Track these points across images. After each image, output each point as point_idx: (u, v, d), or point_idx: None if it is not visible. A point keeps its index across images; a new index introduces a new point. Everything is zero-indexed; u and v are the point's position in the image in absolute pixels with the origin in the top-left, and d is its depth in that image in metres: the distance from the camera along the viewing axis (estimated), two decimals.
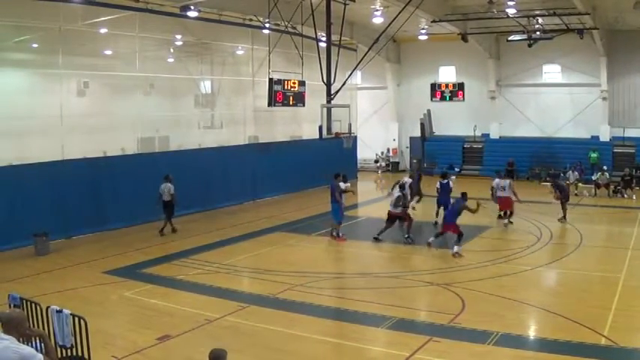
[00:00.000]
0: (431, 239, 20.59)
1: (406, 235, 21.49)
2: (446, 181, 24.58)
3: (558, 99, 41.50)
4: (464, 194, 20.39)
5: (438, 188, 24.82)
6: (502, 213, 25.04)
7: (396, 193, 21.65)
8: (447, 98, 44.51)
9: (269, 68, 28.48)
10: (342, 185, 22.31)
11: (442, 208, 24.02)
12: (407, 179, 23.27)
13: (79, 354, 9.75)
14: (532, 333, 13.34)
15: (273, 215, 27.26)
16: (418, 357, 11.37)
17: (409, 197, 23.24)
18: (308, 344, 12.16)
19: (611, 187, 33.08)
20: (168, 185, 22.91)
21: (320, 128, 25.93)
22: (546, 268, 18.06)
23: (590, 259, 19.98)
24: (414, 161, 43.61)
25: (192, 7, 25.67)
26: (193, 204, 25.05)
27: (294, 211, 28.18)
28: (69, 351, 9.86)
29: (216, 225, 25.01)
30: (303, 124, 35.09)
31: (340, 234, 22.22)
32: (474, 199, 20.64)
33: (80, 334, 9.61)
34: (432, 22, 35.21)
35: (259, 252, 20.51)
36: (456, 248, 19.33)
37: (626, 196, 32.56)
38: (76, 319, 9.64)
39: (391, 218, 21.70)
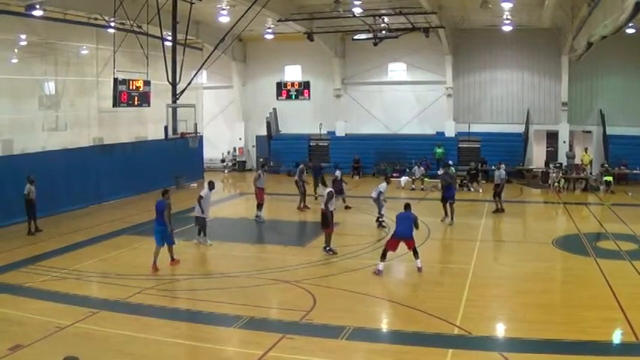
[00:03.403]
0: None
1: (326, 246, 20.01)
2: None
3: (404, 96, 43.34)
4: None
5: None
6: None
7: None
8: (293, 97, 45.47)
9: (114, 68, 27.97)
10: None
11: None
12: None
13: None
14: (385, 326, 13.97)
15: (119, 218, 26.82)
16: (272, 355, 11.64)
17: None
18: (161, 348, 12.21)
19: (458, 181, 34.85)
20: (27, 186, 22.94)
21: (165, 128, 25.85)
22: (396, 261, 18.45)
23: (439, 252, 21.16)
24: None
25: (37, 6, 24.67)
26: (38, 208, 24.27)
27: (140, 213, 27.74)
28: None
29: (61, 230, 24.35)
30: (148, 125, 34.63)
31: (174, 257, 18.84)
32: None
33: None
34: (278, 21, 35.60)
35: (107, 256, 20.22)
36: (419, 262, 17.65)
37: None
38: None
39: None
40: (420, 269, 17.46)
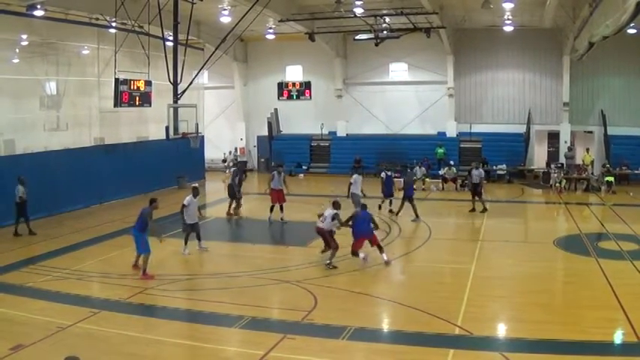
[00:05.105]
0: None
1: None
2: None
3: (405, 96, 43.36)
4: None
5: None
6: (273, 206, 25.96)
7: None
8: (294, 97, 45.48)
9: (115, 68, 28.00)
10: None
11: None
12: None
13: None
14: (386, 326, 13.97)
15: (120, 218, 26.59)
16: (273, 355, 11.64)
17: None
18: (163, 348, 12.23)
19: (459, 181, 34.88)
20: (19, 187, 22.83)
21: (167, 128, 25.80)
22: (397, 262, 18.54)
23: (441, 252, 21.03)
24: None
25: (38, 6, 24.68)
26: (39, 208, 24.30)
27: None
28: None
29: (63, 230, 24.37)
30: (149, 125, 34.58)
31: (147, 270, 17.41)
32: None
33: None
34: (279, 21, 35.61)
35: (108, 256, 20.21)
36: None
37: None
38: None
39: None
40: (387, 262, 18.03)
